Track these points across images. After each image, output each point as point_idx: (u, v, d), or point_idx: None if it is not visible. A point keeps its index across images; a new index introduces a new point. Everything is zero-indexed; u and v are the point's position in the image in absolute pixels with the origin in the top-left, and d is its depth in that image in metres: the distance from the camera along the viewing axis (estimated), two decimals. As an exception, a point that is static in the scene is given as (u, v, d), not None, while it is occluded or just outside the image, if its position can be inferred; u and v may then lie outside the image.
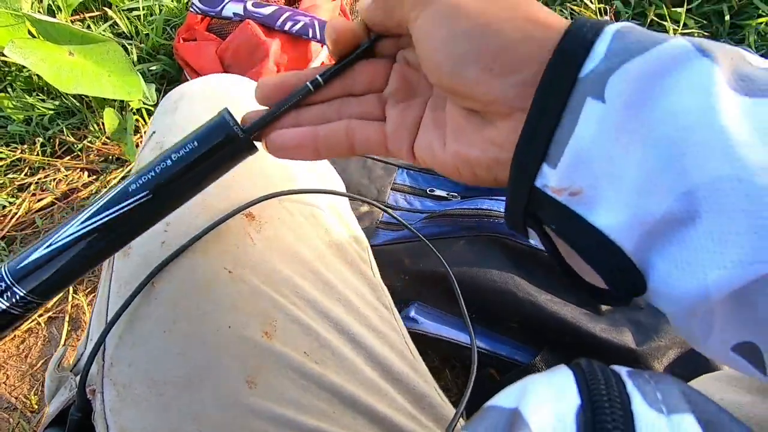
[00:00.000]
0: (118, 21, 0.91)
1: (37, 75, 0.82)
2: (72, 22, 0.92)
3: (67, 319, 0.70)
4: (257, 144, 0.24)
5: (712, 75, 0.16)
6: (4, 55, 0.71)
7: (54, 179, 0.82)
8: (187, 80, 0.88)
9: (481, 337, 0.49)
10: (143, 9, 0.93)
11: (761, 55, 0.64)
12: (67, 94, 0.85)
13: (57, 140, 0.85)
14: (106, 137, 0.85)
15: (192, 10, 0.86)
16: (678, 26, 0.84)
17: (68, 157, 0.84)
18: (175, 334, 0.28)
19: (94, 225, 0.22)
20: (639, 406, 0.14)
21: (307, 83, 0.23)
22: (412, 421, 0.31)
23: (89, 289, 0.74)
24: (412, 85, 0.24)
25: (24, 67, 0.87)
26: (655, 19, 0.87)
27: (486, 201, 0.54)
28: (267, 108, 0.24)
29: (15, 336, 0.71)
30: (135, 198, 0.22)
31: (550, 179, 0.18)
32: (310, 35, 0.80)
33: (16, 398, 0.66)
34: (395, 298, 0.58)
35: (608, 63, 0.17)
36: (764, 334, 0.16)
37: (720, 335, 0.17)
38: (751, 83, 0.16)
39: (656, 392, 0.14)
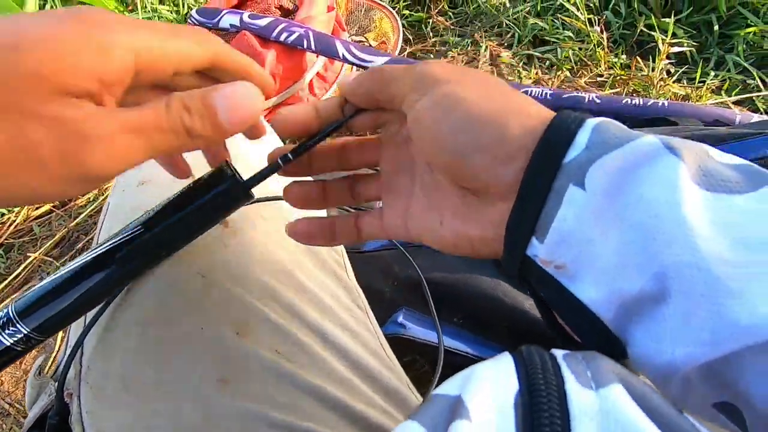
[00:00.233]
0: (117, 32, 0.92)
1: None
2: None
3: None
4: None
5: (678, 170, 0.18)
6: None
7: (52, 187, 0.83)
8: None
9: (469, 343, 0.50)
10: (142, 20, 0.95)
11: (750, 64, 0.66)
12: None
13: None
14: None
15: (190, 22, 0.88)
16: (666, 36, 0.85)
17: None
18: (148, 337, 0.29)
19: (95, 266, 0.24)
20: (571, 385, 0.15)
21: (278, 158, 0.25)
22: (384, 415, 0.32)
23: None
24: (401, 164, 0.26)
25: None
26: (645, 30, 0.88)
27: (474, 208, 0.54)
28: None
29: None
30: (136, 238, 0.24)
31: (539, 251, 0.20)
32: (305, 46, 0.81)
33: (9, 404, 0.67)
34: (384, 304, 0.59)
35: (589, 154, 0.19)
36: (740, 401, 0.18)
37: (700, 397, 0.19)
38: (712, 178, 0.18)
39: (587, 371, 0.16)
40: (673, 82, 0.84)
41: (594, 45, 0.89)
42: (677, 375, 0.18)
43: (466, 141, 0.20)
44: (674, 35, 0.87)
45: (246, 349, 0.29)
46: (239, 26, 0.83)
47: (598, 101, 0.74)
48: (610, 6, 0.93)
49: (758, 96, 0.80)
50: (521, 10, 0.97)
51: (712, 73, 0.84)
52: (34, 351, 0.68)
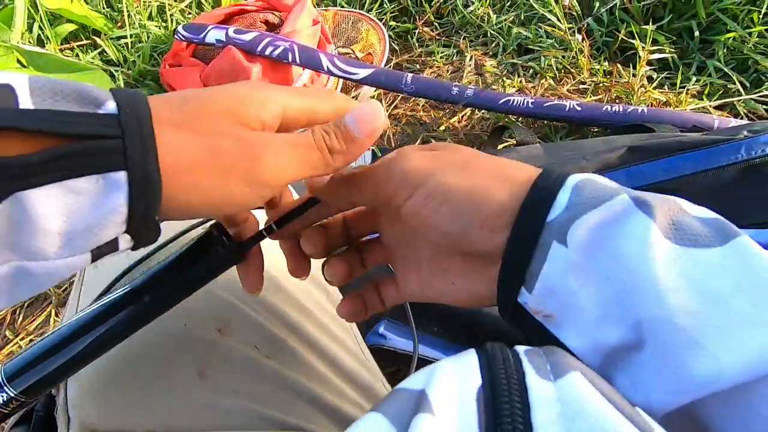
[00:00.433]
0: (106, 49, 0.94)
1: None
2: (62, 50, 0.95)
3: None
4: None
5: (648, 227, 0.19)
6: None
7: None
8: (174, 104, 0.91)
9: (447, 351, 0.50)
10: (131, 37, 0.96)
11: (731, 69, 0.66)
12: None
13: (45, 165, 0.87)
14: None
15: (177, 37, 0.89)
16: (645, 43, 0.86)
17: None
18: (135, 336, 0.30)
19: (85, 330, 0.24)
20: (531, 378, 0.16)
21: (263, 230, 0.27)
22: (359, 410, 0.34)
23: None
24: (402, 236, 0.28)
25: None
26: (626, 38, 0.89)
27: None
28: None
29: None
30: (125, 303, 0.25)
31: (529, 300, 0.22)
32: (290, 59, 0.82)
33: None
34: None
35: (569, 213, 0.21)
36: None
37: None
38: (683, 232, 0.19)
39: (546, 364, 0.16)
40: (655, 87, 0.85)
41: (576, 53, 0.90)
42: (658, 416, 0.19)
43: (461, 223, 0.22)
44: (656, 42, 0.88)
45: (227, 345, 0.31)
46: (225, 41, 0.84)
47: (578, 108, 0.75)
48: (593, 14, 0.94)
49: (739, 100, 0.81)
50: (505, 20, 0.99)
51: (694, 78, 0.85)
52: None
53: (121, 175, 0.18)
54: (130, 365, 0.30)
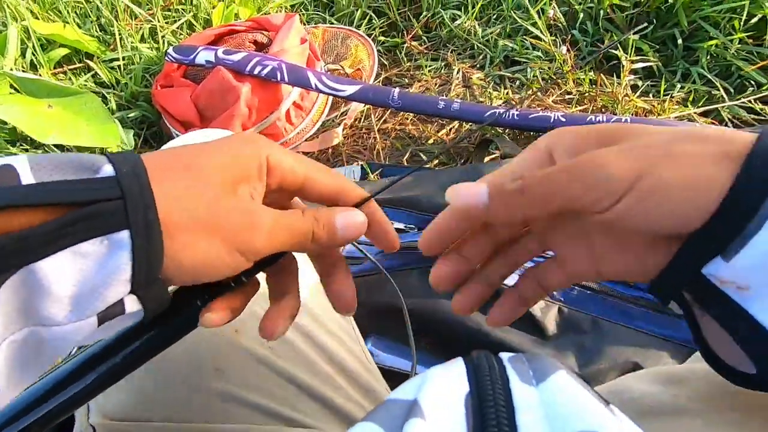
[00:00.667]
0: (99, 72, 0.95)
1: (21, 127, 0.86)
2: (55, 74, 0.96)
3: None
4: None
5: None
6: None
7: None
8: (167, 124, 0.92)
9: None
10: (123, 59, 0.97)
11: (714, 75, 0.67)
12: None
13: (39, 188, 0.88)
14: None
15: (168, 59, 0.91)
16: (628, 53, 0.87)
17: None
18: None
19: (56, 389, 0.24)
20: (515, 384, 0.17)
21: (231, 281, 0.25)
22: (361, 410, 0.35)
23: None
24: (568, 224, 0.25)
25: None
26: (612, 50, 0.90)
27: (438, 232, 0.56)
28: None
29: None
30: (96, 364, 0.24)
31: (722, 271, 0.20)
32: (279, 78, 0.83)
33: None
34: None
35: None
36: None
37: None
38: None
39: (529, 370, 0.17)
40: (640, 95, 0.85)
41: (561, 63, 0.91)
42: None
43: (680, 217, 0.20)
44: (640, 50, 0.89)
45: (241, 344, 0.33)
46: (214, 62, 0.86)
47: (563, 120, 0.75)
48: (578, 24, 0.95)
49: (723, 106, 0.81)
50: (492, 33, 1.00)
51: (678, 86, 0.86)
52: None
53: (124, 234, 0.19)
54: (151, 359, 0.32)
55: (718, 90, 0.83)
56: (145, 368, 0.30)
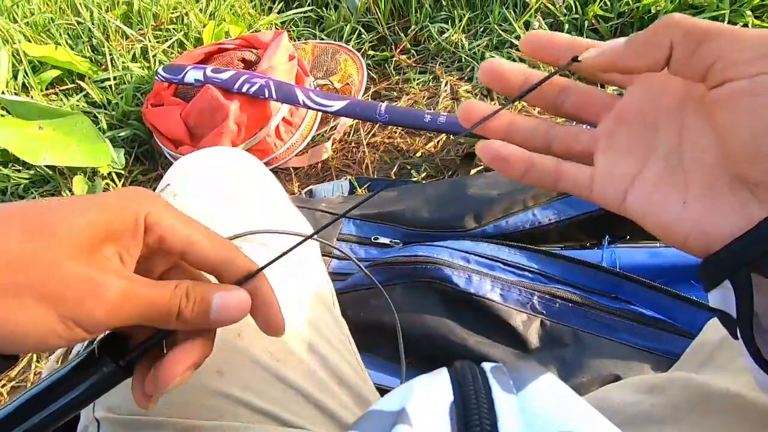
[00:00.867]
0: (90, 92, 0.96)
1: (12, 148, 0.87)
2: (47, 95, 0.97)
3: (28, 386, 0.71)
4: None
5: None
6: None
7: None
8: (158, 143, 0.93)
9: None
10: (115, 79, 0.98)
11: None
12: (40, 164, 0.89)
13: (31, 208, 0.89)
14: (78, 202, 0.89)
15: (158, 78, 0.92)
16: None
17: (42, 224, 0.88)
18: None
19: None
20: (497, 392, 0.18)
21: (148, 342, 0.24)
22: (355, 417, 0.35)
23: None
24: (643, 119, 0.22)
25: None
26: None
27: (422, 248, 0.56)
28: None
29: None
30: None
31: None
32: (267, 95, 0.84)
33: None
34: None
35: None
36: None
37: None
38: None
39: (509, 380, 0.18)
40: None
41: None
42: None
43: None
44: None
45: (244, 348, 0.33)
46: (203, 80, 0.87)
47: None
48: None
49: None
50: (478, 45, 1.01)
51: (664, 95, 0.87)
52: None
53: None
54: None
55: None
56: None
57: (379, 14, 1.10)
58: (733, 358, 0.31)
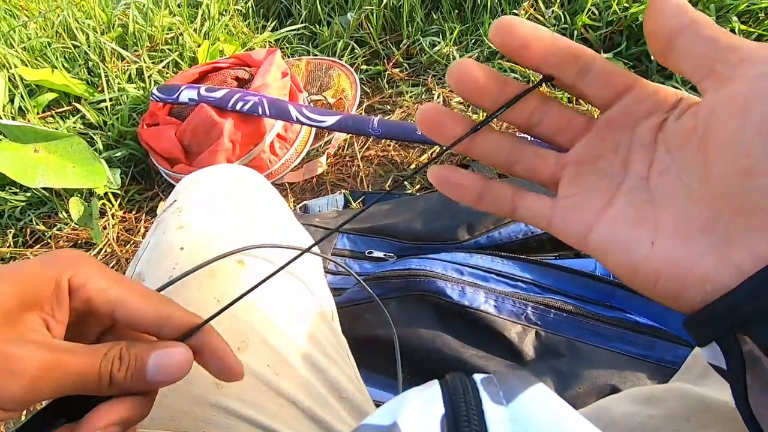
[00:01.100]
0: (86, 114, 0.97)
1: (9, 171, 0.87)
2: (43, 118, 0.98)
3: (24, 413, 0.71)
4: None
5: None
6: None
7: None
8: (154, 162, 0.94)
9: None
10: (110, 100, 1.00)
11: (689, 88, 0.68)
12: (37, 186, 0.90)
13: (28, 230, 0.89)
14: (75, 223, 0.89)
15: (153, 98, 0.93)
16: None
17: (38, 245, 0.88)
18: None
19: None
20: (487, 404, 0.18)
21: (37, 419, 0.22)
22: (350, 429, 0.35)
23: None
24: (606, 163, 0.20)
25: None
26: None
27: (415, 261, 0.56)
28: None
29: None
30: None
31: None
32: (260, 112, 0.85)
33: None
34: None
35: None
36: None
37: None
38: None
39: (499, 391, 0.18)
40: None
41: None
42: None
43: None
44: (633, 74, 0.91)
45: (243, 361, 0.33)
46: (197, 99, 0.87)
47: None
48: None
49: (699, 119, 0.82)
50: (470, 57, 1.02)
51: (654, 101, 0.87)
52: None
53: None
54: None
55: (694, 103, 0.84)
56: None
57: (371, 29, 1.12)
58: None
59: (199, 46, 1.09)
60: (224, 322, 0.34)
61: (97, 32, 1.07)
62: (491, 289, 0.51)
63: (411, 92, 1.03)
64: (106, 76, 1.01)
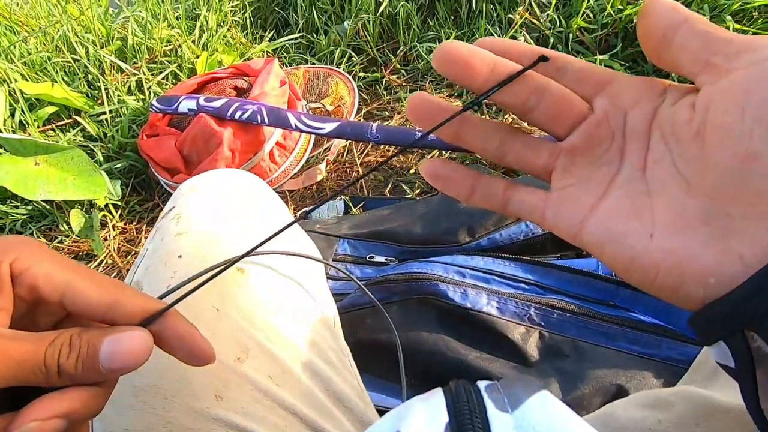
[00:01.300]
0: (86, 126, 0.98)
1: (10, 185, 0.87)
2: (44, 132, 0.99)
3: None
4: None
5: None
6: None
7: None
8: (154, 173, 0.94)
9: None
10: (110, 113, 1.00)
11: None
12: (38, 199, 0.90)
13: (30, 243, 0.89)
14: (76, 235, 0.89)
15: (152, 109, 0.93)
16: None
17: (40, 259, 0.88)
18: (159, 354, 0.31)
19: None
20: (492, 411, 0.18)
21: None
22: None
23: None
24: (601, 152, 0.20)
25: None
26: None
27: (416, 264, 0.56)
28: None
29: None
30: None
31: None
32: (259, 121, 0.85)
33: None
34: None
35: None
36: None
37: None
38: None
39: (504, 398, 0.18)
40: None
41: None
42: None
43: None
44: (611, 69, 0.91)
45: (244, 372, 0.33)
46: (196, 109, 0.88)
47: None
48: (549, 47, 0.98)
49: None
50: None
51: (652, 101, 0.87)
52: None
53: None
54: (153, 380, 0.32)
55: (691, 102, 0.84)
56: (149, 391, 0.31)
57: (368, 37, 1.13)
58: None
59: (197, 57, 1.10)
60: (224, 332, 0.34)
61: (96, 46, 1.08)
62: (493, 291, 0.51)
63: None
64: (105, 89, 1.01)
